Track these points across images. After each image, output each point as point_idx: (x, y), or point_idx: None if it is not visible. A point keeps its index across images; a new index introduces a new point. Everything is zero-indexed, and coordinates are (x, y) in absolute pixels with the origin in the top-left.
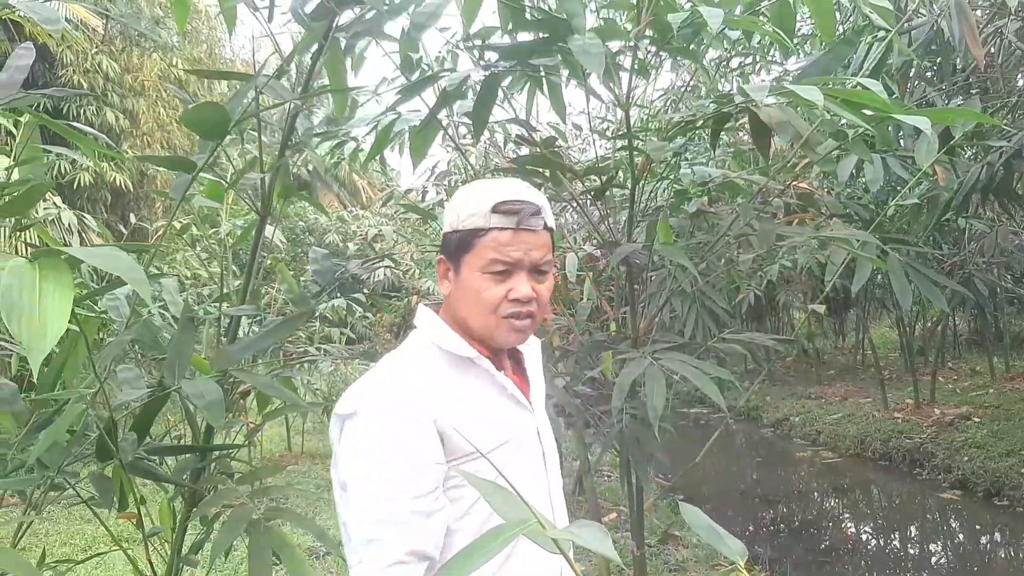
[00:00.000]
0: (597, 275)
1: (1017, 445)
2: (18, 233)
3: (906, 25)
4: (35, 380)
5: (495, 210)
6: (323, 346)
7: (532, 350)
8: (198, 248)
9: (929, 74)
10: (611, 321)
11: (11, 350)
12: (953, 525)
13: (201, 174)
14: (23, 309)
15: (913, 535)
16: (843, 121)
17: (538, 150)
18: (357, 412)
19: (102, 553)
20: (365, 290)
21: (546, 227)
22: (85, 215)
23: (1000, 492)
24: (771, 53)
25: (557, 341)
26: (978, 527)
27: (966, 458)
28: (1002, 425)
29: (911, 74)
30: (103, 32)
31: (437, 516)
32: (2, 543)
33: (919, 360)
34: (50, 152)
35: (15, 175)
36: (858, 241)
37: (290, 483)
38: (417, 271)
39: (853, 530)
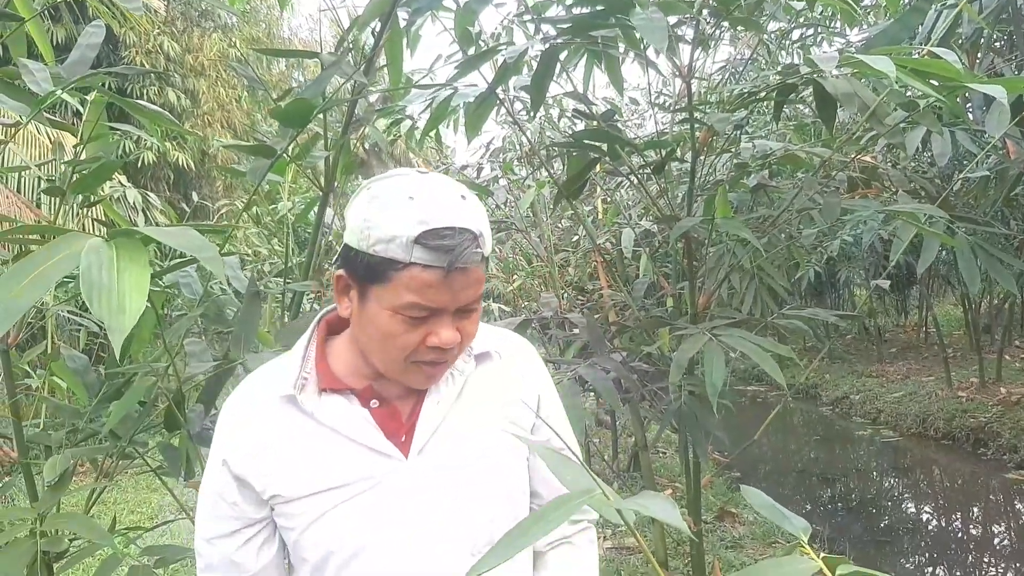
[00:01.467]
0: (653, 251)
1: None
2: (86, 210)
3: None
4: (117, 356)
5: (420, 241)
6: None
7: (480, 372)
8: (259, 225)
9: (999, 44)
10: (668, 297)
11: (81, 324)
12: (1018, 506)
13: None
14: (103, 287)
15: (976, 516)
16: (909, 92)
17: (595, 124)
18: None
19: (169, 521)
20: None
21: (483, 257)
22: (149, 193)
23: None
24: (833, 24)
25: (614, 316)
26: None
27: None
28: None
29: (980, 43)
30: (165, 13)
31: (241, 554)
32: (75, 510)
33: (985, 338)
34: (117, 131)
35: (84, 153)
36: (926, 216)
37: None
38: None
39: (914, 510)
